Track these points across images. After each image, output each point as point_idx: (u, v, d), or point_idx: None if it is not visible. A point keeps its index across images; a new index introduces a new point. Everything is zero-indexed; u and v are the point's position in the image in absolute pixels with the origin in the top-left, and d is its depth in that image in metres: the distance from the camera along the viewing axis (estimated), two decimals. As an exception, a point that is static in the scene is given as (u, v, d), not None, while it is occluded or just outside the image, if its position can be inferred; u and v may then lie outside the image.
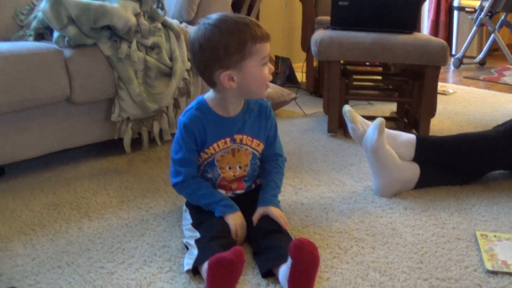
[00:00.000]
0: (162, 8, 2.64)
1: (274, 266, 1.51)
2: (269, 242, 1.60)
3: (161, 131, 2.59)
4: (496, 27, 5.25)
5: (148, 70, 2.41)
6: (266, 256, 1.57)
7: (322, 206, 2.02)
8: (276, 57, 4.38)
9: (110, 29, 2.32)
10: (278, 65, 4.32)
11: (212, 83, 1.71)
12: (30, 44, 2.26)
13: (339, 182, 2.26)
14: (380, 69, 4.03)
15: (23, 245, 1.74)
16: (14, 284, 1.53)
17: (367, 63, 4.16)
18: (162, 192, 2.15)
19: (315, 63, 3.97)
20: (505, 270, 1.58)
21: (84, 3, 2.24)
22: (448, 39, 6.18)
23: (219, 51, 1.62)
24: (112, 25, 2.28)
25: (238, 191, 1.86)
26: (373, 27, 2.85)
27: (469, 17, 5.71)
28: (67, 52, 2.24)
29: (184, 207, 1.85)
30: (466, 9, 5.97)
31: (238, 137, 1.79)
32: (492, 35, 5.30)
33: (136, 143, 2.56)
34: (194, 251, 1.57)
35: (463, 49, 5.40)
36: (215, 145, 1.77)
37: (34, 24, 2.46)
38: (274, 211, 1.71)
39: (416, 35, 2.83)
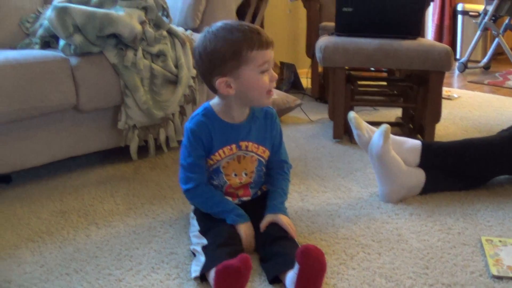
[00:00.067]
0: (167, 16, 2.65)
1: (281, 272, 1.52)
2: (276, 248, 1.61)
3: (167, 138, 2.60)
4: (500, 31, 5.26)
5: (154, 78, 2.42)
6: (273, 263, 1.57)
7: (328, 212, 2.03)
8: (281, 63, 4.39)
9: (116, 37, 2.33)
10: (283, 71, 4.33)
11: (214, 90, 1.73)
12: (36, 53, 2.27)
13: (345, 188, 2.27)
14: (385, 74, 4.03)
15: (31, 253, 1.75)
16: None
17: (372, 68, 4.16)
18: (169, 199, 2.16)
19: (320, 69, 3.98)
20: (510, 275, 1.58)
21: (90, 12, 2.25)
22: (453, 43, 6.19)
23: (215, 58, 1.65)
24: (118, 33, 2.29)
25: (245, 198, 1.86)
26: (377, 33, 2.85)
27: (473, 21, 5.72)
28: (73, 60, 2.26)
29: (192, 214, 1.85)
30: (470, 13, 5.97)
31: (243, 144, 1.79)
32: (496, 39, 5.30)
33: (143, 150, 2.57)
34: (202, 258, 1.58)
35: (467, 53, 5.41)
36: (220, 151, 1.78)
37: (40, 32, 2.47)
38: (283, 219, 1.72)
39: (420, 40, 2.83)
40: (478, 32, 5.37)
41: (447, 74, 3.22)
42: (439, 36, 6.26)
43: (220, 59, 1.64)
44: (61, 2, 2.29)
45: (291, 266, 1.48)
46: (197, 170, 1.78)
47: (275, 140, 1.88)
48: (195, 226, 1.77)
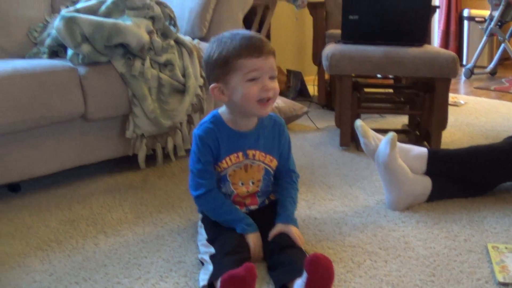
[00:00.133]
0: (175, 25, 2.67)
1: (289, 281, 1.52)
2: (284, 257, 1.61)
3: (175, 147, 2.61)
4: (506, 37, 5.26)
5: (161, 87, 2.44)
6: (281, 271, 1.58)
7: (335, 220, 2.04)
8: (288, 71, 4.40)
9: (123, 46, 2.35)
10: (290, 79, 4.34)
11: None
12: (44, 62, 2.29)
13: (351, 196, 2.27)
14: (391, 81, 4.04)
15: (40, 261, 1.77)
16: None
17: (379, 75, 4.16)
18: (177, 207, 2.17)
19: (326, 76, 3.99)
20: (517, 282, 1.59)
21: (98, 21, 2.27)
22: (459, 49, 6.19)
23: (209, 64, 1.72)
24: (126, 43, 2.31)
25: (252, 207, 1.87)
26: (383, 40, 2.86)
27: (479, 27, 5.72)
28: (82, 70, 2.28)
29: (200, 222, 1.86)
30: (476, 19, 5.97)
31: (251, 152, 1.80)
32: (503, 45, 5.31)
33: (151, 159, 2.58)
34: (210, 267, 1.59)
35: (473, 59, 5.41)
36: (227, 159, 1.79)
37: (48, 41, 2.49)
38: (293, 231, 1.72)
39: (426, 47, 2.84)
40: (484, 38, 5.37)
41: (453, 80, 3.22)
42: (445, 42, 6.26)
43: (213, 65, 1.70)
44: (69, 12, 2.31)
45: (299, 275, 1.48)
46: (206, 176, 1.79)
47: (284, 149, 1.89)
48: (203, 235, 1.78)
